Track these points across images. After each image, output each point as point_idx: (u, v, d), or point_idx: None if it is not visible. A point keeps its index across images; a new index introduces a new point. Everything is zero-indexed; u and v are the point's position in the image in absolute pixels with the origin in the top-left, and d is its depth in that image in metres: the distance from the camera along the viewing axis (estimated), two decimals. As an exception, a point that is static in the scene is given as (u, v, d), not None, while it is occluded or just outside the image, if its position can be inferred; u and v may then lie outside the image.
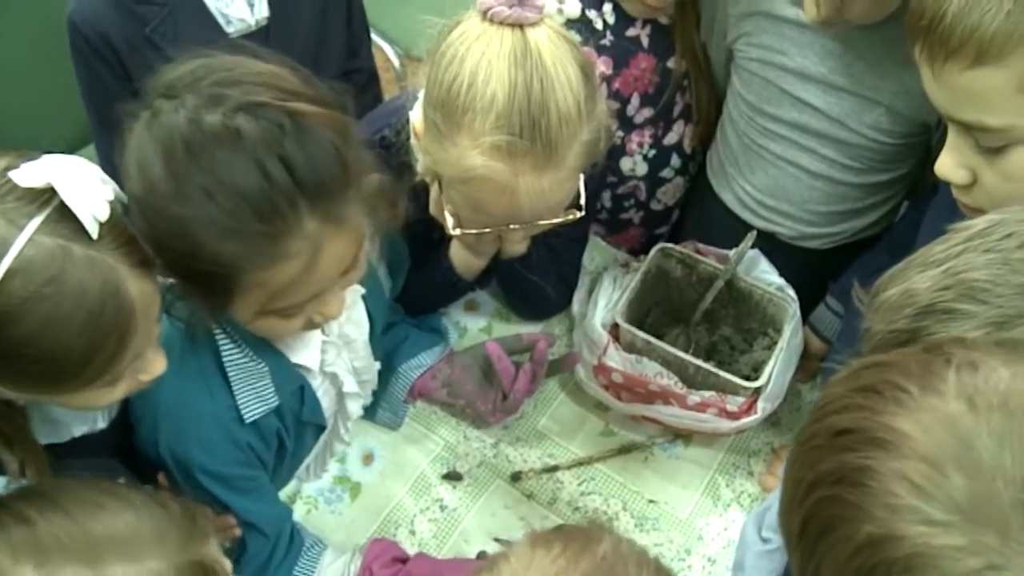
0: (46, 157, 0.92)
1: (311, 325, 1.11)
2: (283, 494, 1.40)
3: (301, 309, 1.06)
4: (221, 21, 1.57)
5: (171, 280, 1.03)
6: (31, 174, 0.89)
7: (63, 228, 0.89)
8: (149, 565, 0.81)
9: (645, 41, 1.65)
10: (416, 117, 1.23)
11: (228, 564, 0.91)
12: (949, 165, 1.01)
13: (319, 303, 1.07)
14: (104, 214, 0.91)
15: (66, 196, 0.88)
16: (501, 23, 1.09)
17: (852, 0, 1.30)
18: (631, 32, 1.64)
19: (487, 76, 1.08)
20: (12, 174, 0.89)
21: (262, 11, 1.59)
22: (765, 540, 1.29)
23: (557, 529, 0.81)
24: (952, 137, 1.01)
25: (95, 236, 0.90)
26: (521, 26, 1.09)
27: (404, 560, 1.31)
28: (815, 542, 0.67)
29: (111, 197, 0.93)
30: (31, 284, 0.87)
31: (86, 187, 0.90)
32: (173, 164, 0.93)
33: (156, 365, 1.03)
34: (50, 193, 0.89)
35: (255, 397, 1.17)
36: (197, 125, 0.93)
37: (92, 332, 0.90)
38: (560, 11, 1.56)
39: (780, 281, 1.51)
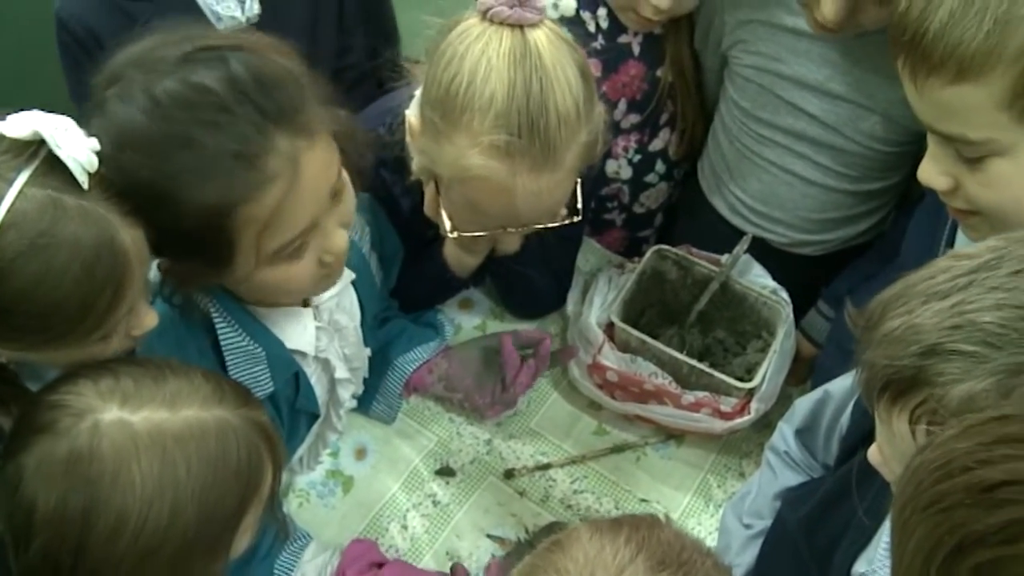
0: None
1: (322, 267, 1.10)
2: (276, 487, 1.39)
3: (304, 245, 1.05)
4: (211, 18, 1.54)
5: (167, 264, 1.04)
6: (18, 125, 0.88)
7: (53, 180, 0.88)
8: (216, 412, 0.93)
9: (636, 49, 1.65)
10: (413, 116, 1.23)
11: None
12: (931, 172, 1.03)
13: (320, 236, 1.06)
14: (93, 164, 0.90)
15: (55, 146, 0.87)
16: (501, 23, 1.10)
17: (864, 8, 1.31)
18: (623, 39, 1.64)
19: (486, 75, 1.09)
20: None
21: (253, 8, 1.57)
22: (747, 526, 1.31)
23: (615, 519, 0.81)
24: (933, 146, 1.02)
25: (86, 187, 0.89)
26: (521, 26, 1.10)
27: (380, 565, 1.30)
28: None
29: (98, 148, 0.92)
30: (24, 238, 0.85)
31: (73, 137, 0.89)
32: (140, 137, 0.94)
33: (147, 319, 1.02)
34: (37, 145, 0.88)
35: (251, 381, 1.16)
36: (148, 94, 0.94)
37: (88, 284, 0.89)
38: (555, 6, 1.57)
39: (774, 284, 1.52)
